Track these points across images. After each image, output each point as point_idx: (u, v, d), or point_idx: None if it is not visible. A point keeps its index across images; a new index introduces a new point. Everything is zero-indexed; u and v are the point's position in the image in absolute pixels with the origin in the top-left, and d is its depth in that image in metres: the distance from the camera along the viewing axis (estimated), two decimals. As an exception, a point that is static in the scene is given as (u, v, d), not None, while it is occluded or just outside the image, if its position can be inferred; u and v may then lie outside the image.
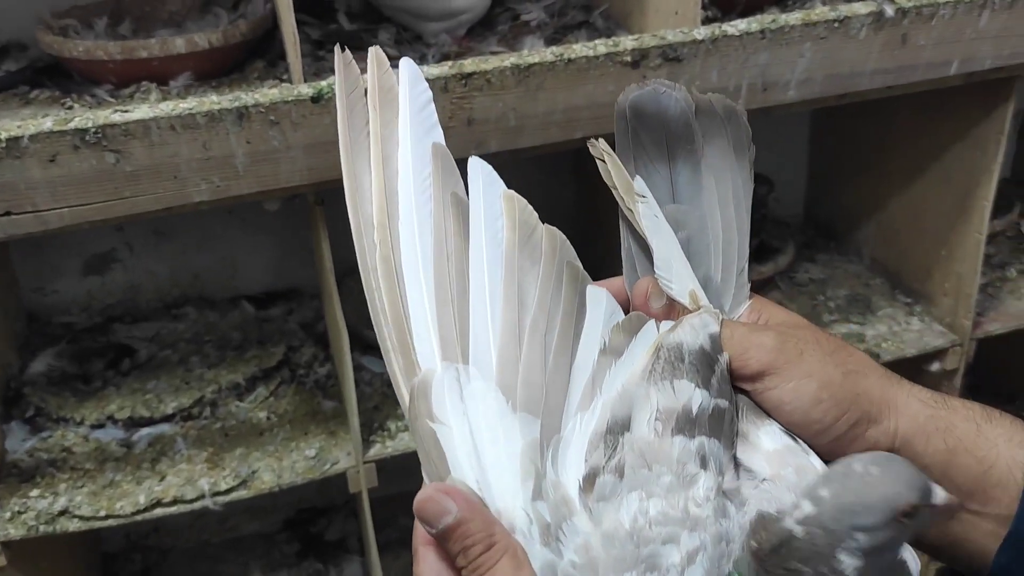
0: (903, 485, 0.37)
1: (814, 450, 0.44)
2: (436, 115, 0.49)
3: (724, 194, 0.50)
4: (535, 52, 0.80)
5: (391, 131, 0.48)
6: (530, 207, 0.47)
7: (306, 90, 0.76)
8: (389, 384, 1.16)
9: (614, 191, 0.50)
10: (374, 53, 0.49)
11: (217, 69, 0.93)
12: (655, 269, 0.49)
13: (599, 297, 0.46)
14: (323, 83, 0.76)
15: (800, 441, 0.44)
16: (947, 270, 1.12)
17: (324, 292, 0.98)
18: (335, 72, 0.50)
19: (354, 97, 0.49)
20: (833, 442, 0.44)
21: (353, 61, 0.50)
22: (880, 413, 0.44)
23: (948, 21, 0.87)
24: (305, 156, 0.78)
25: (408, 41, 1.02)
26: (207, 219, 1.19)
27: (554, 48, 0.80)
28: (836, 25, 0.84)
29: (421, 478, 0.43)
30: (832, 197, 1.27)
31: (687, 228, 0.50)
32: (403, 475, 1.16)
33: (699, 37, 0.81)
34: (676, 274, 0.48)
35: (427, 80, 0.79)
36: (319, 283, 1.09)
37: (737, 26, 0.82)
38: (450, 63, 0.79)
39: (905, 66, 0.89)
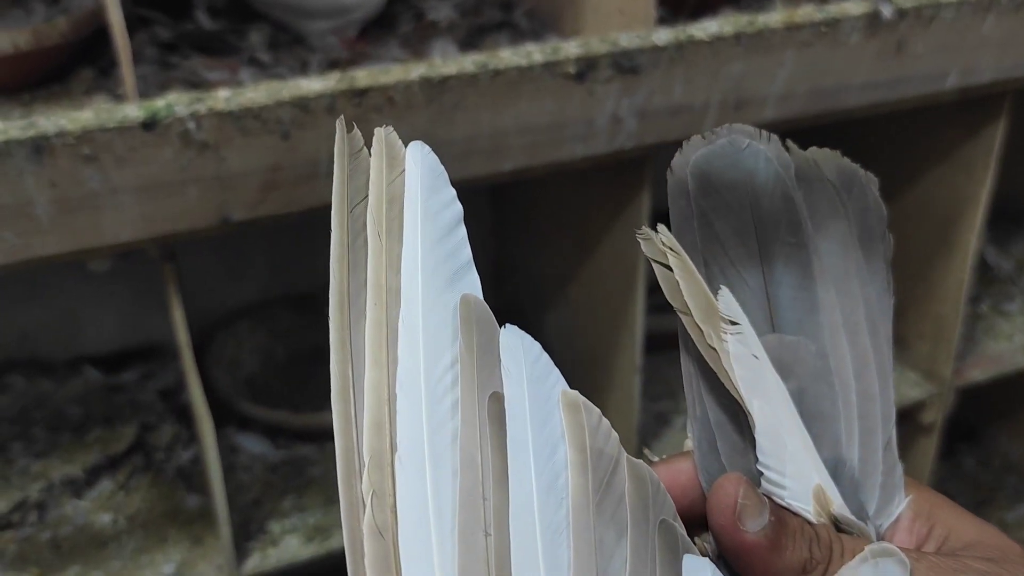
0: None
1: None
2: (468, 247, 0.29)
3: (852, 315, 0.32)
4: (450, 61, 0.61)
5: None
6: (606, 422, 0.27)
7: (135, 112, 0.54)
8: (273, 470, 0.95)
9: (682, 317, 0.31)
10: (381, 136, 0.29)
11: (28, 79, 0.71)
12: (758, 453, 0.29)
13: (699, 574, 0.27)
14: (160, 103, 0.55)
15: None
16: (924, 311, 0.98)
17: (184, 366, 0.77)
18: (335, 164, 0.28)
19: (358, 212, 0.28)
20: None
21: (365, 149, 0.28)
22: None
23: (949, 24, 0.72)
24: (138, 202, 0.57)
25: (286, 44, 0.82)
26: (38, 264, 0.95)
27: (475, 56, 0.61)
28: (824, 29, 0.68)
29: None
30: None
31: (798, 375, 0.31)
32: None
33: (660, 43, 0.64)
34: (791, 459, 0.29)
35: (309, 99, 0.61)
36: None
37: (707, 29, 0.65)
38: (338, 74, 0.60)
39: (899, 78, 0.73)
